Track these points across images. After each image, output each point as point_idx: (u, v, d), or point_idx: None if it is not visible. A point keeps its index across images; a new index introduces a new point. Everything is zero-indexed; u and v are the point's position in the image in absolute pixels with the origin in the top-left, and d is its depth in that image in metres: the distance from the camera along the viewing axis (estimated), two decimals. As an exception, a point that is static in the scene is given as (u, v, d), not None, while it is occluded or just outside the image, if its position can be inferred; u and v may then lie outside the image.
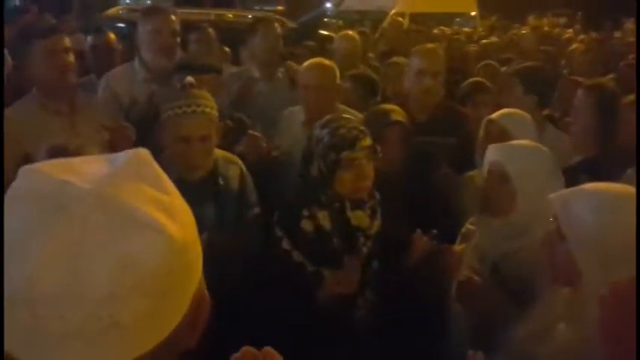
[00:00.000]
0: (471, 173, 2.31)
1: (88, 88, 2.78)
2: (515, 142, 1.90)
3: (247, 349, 0.77)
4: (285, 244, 1.74)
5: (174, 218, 0.52)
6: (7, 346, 0.47)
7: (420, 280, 1.77)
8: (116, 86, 2.68)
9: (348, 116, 1.94)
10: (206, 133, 1.88)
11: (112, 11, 7.08)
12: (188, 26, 3.47)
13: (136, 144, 2.15)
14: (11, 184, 0.51)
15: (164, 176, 0.56)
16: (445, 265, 1.76)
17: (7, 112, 2.20)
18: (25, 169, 0.51)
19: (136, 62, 2.74)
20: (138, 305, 0.48)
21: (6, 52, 2.48)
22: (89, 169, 0.52)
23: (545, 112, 2.88)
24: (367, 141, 1.72)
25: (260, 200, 2.15)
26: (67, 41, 2.25)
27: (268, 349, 0.76)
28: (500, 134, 2.10)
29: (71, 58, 2.25)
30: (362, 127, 1.77)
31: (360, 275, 1.67)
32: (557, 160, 1.87)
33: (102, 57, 3.19)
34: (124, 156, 0.55)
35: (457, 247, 1.85)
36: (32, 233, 0.47)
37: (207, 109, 1.88)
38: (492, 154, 1.84)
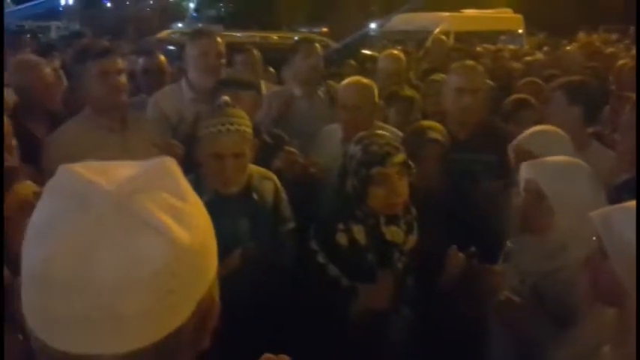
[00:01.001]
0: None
1: (139, 108, 2.92)
2: (549, 158, 1.85)
3: (267, 356, 0.80)
4: (321, 258, 1.77)
5: (185, 224, 0.55)
6: (28, 321, 0.53)
7: (457, 298, 1.74)
8: (164, 105, 2.80)
9: (383, 132, 1.96)
10: (239, 150, 1.93)
11: (163, 34, 7.41)
12: (234, 48, 3.60)
13: (184, 160, 2.23)
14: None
15: (185, 185, 0.59)
16: (488, 285, 1.73)
17: (62, 128, 2.35)
18: (62, 167, 0.57)
19: (183, 82, 2.87)
20: (139, 300, 0.52)
21: (62, 72, 2.65)
22: (118, 172, 0.57)
23: (593, 128, 2.80)
24: (399, 157, 1.73)
25: (297, 216, 2.19)
26: (120, 62, 2.36)
27: (284, 357, 0.79)
28: (528, 157, 2.05)
29: (123, 78, 2.35)
30: (395, 144, 1.78)
31: (395, 291, 1.67)
32: (598, 175, 1.80)
33: (153, 78, 3.33)
34: (151, 163, 0.59)
35: (498, 267, 1.82)
36: (55, 222, 0.53)
37: (242, 128, 1.94)
38: (526, 171, 1.80)
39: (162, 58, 3.47)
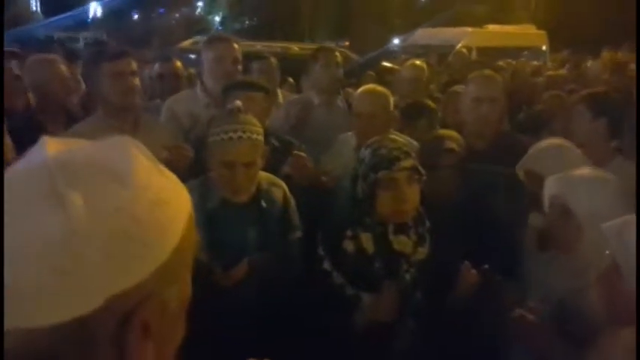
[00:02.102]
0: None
1: (153, 113, 2.93)
2: (575, 172, 1.76)
3: None
4: (327, 265, 1.72)
5: (105, 207, 0.51)
6: None
7: (469, 314, 1.67)
8: (178, 109, 2.80)
9: (395, 137, 1.91)
10: (250, 159, 1.89)
11: (185, 44, 7.52)
12: (253, 57, 3.60)
13: (195, 164, 2.22)
14: None
15: (135, 169, 0.55)
16: (506, 301, 1.66)
17: (74, 128, 2.37)
18: (43, 138, 0.55)
19: (198, 88, 2.87)
20: (31, 274, 0.48)
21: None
22: (77, 147, 0.55)
23: (617, 142, 2.70)
24: (408, 162, 1.68)
25: (307, 223, 2.14)
26: (133, 64, 2.37)
27: None
28: (537, 178, 1.97)
29: (136, 80, 2.37)
30: (405, 149, 1.73)
31: (401, 303, 1.61)
32: (626, 187, 1.71)
33: (168, 83, 3.35)
34: (107, 142, 0.57)
35: (519, 284, 1.75)
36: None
37: (254, 135, 1.90)
38: (551, 187, 1.73)
39: (178, 63, 3.49)
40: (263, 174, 2.07)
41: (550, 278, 1.71)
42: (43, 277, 0.48)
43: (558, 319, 1.58)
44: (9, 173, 0.53)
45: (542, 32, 14.05)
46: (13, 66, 5.07)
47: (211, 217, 1.92)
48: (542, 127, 3.23)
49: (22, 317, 0.48)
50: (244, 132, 1.87)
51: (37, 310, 0.48)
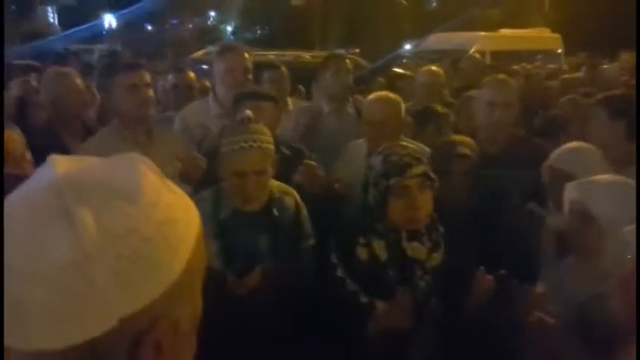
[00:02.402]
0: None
1: (167, 124, 2.96)
2: (596, 177, 1.74)
3: None
4: (340, 272, 1.72)
5: (116, 226, 0.51)
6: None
7: (483, 320, 1.64)
8: (190, 120, 2.82)
9: (407, 144, 1.89)
10: (261, 168, 1.90)
11: (198, 54, 7.58)
12: (264, 66, 3.61)
13: (207, 175, 2.22)
14: None
15: (143, 186, 0.54)
16: (525, 307, 1.63)
17: (89, 140, 2.40)
18: (51, 156, 0.55)
19: (210, 98, 2.88)
20: (42, 296, 0.47)
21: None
22: (88, 164, 0.55)
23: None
24: (419, 169, 1.66)
25: (319, 230, 2.14)
26: (147, 76, 2.39)
27: None
28: (563, 177, 1.94)
29: (151, 92, 2.39)
30: (417, 155, 1.72)
31: (416, 310, 1.59)
32: None
33: (181, 94, 3.38)
34: (116, 159, 0.57)
35: (538, 289, 1.72)
36: (7, 201, 0.52)
37: (264, 145, 1.91)
38: (572, 192, 1.70)
39: (191, 74, 3.52)
40: (275, 182, 2.07)
41: (569, 283, 1.68)
42: (54, 299, 0.47)
43: (577, 325, 1.55)
44: (18, 192, 0.53)
45: (557, 35, 13.92)
46: (32, 79, 5.17)
47: (224, 227, 1.93)
48: (559, 131, 3.19)
49: (32, 339, 0.48)
50: (254, 141, 1.89)
51: (47, 332, 0.48)
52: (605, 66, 7.17)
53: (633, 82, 4.76)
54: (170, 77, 3.54)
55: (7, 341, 0.48)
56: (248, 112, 1.98)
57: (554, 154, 2.10)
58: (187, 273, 0.55)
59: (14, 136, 2.06)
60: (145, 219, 0.52)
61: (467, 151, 2.17)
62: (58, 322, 0.48)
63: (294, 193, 2.13)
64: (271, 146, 1.95)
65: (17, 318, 0.47)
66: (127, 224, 0.51)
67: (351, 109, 3.33)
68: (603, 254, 1.58)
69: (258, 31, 25.89)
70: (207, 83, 4.04)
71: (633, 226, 1.18)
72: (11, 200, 0.52)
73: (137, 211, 0.52)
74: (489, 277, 1.66)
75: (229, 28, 26.39)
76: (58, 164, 0.53)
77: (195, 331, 0.60)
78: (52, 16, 22.09)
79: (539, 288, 1.73)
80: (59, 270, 0.48)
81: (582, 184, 1.70)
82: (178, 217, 0.55)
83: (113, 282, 0.49)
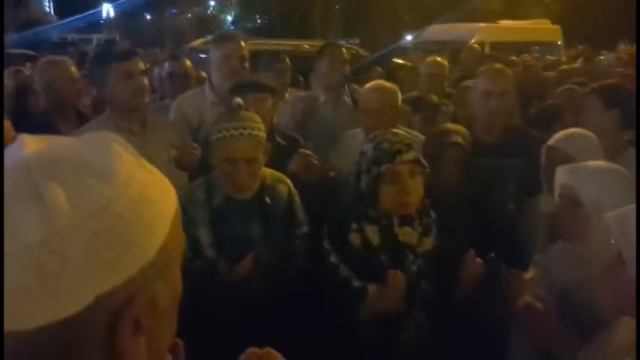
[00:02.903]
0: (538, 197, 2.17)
1: (163, 112, 2.94)
2: (587, 163, 1.75)
3: (252, 351, 0.74)
4: (333, 258, 1.73)
5: (88, 204, 0.50)
6: None
7: (474, 304, 1.66)
8: (186, 108, 2.81)
9: (398, 131, 1.90)
10: (252, 155, 1.90)
11: (195, 43, 7.55)
12: (262, 54, 3.60)
13: (203, 162, 2.22)
14: None
15: (116, 166, 0.53)
16: (512, 291, 1.65)
17: (82, 129, 2.36)
18: (20, 135, 0.54)
19: (206, 86, 2.88)
20: (13, 275, 0.47)
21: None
22: (58, 144, 0.54)
23: (630, 133, 2.66)
24: (410, 155, 1.67)
25: (314, 219, 2.14)
26: (142, 64, 2.36)
27: (269, 349, 0.73)
28: (563, 159, 1.95)
29: (145, 80, 2.35)
30: (407, 142, 1.73)
31: (408, 295, 1.61)
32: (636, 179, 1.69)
33: (178, 82, 3.37)
34: (87, 138, 0.56)
35: (526, 274, 1.73)
36: None
37: (255, 132, 1.91)
38: (562, 176, 1.71)
39: (188, 63, 3.51)
40: (267, 170, 2.07)
41: (556, 268, 1.70)
42: (27, 278, 0.47)
43: (562, 309, 1.57)
44: None
45: (557, 27, 13.88)
46: (27, 68, 5.16)
47: (217, 214, 1.93)
48: (554, 120, 3.19)
49: (9, 320, 0.47)
50: (245, 129, 1.89)
51: (23, 312, 0.47)
52: (602, 57, 7.16)
53: (628, 72, 4.76)
54: (167, 65, 3.52)
55: None
56: (238, 100, 1.98)
57: (555, 136, 2.11)
58: (164, 251, 0.54)
59: (6, 125, 2.05)
60: (118, 197, 0.51)
61: (459, 139, 2.18)
62: (31, 301, 0.47)
63: (288, 180, 2.13)
64: (262, 134, 1.95)
65: (50, 284, 0.47)
66: (99, 202, 0.50)
67: (347, 99, 3.33)
68: (588, 239, 1.59)
69: (258, 21, 25.77)
70: (203, 74, 4.04)
71: (615, 211, 1.19)
72: None
73: (110, 189, 0.51)
74: (479, 260, 1.67)
75: (229, 18, 26.26)
76: (27, 143, 0.52)
77: (176, 310, 0.60)
78: (48, 5, 21.94)
79: (528, 273, 1.74)
80: (30, 248, 0.47)
81: (573, 168, 1.71)
82: (154, 195, 0.55)
83: (87, 260, 0.49)
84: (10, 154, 0.52)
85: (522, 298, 1.54)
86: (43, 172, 0.50)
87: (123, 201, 0.52)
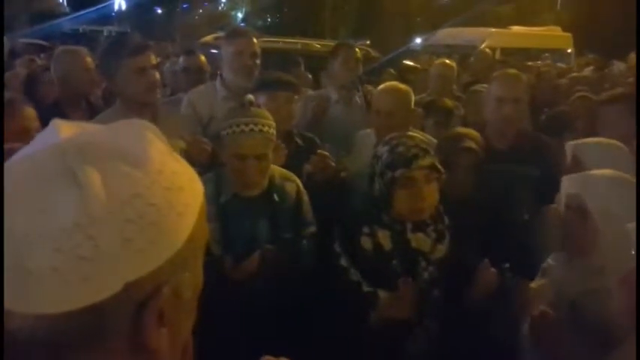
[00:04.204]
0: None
1: (175, 106, 2.94)
2: (594, 172, 1.71)
3: (267, 358, 0.74)
4: (343, 261, 1.70)
5: (122, 190, 0.50)
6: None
7: (486, 314, 1.64)
8: (197, 103, 2.80)
9: (413, 134, 1.87)
10: (262, 151, 1.90)
11: (207, 38, 7.55)
12: (275, 53, 3.59)
13: (213, 157, 2.21)
14: None
15: (151, 153, 0.53)
16: (522, 301, 1.62)
17: (94, 121, 2.36)
18: (53, 120, 0.54)
19: (218, 82, 2.87)
20: (44, 257, 0.46)
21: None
22: (90, 130, 0.54)
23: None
24: (427, 160, 1.65)
25: (326, 220, 2.12)
26: (154, 58, 2.34)
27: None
28: (576, 165, 1.92)
29: (157, 75, 2.33)
30: (424, 146, 1.70)
31: (419, 302, 1.58)
32: None
33: (192, 77, 3.36)
34: (121, 124, 0.56)
35: (534, 284, 1.70)
36: (9, 164, 0.51)
37: (265, 128, 1.90)
38: (568, 186, 1.68)
39: (202, 57, 3.50)
40: (277, 168, 2.07)
41: (563, 277, 1.67)
42: (57, 262, 0.46)
43: (571, 320, 1.54)
44: (19, 155, 0.52)
45: (568, 34, 13.79)
46: (41, 58, 5.17)
47: (224, 210, 1.92)
48: (565, 128, 3.16)
49: (35, 303, 0.47)
50: (256, 125, 1.88)
51: (50, 295, 0.47)
52: (614, 66, 7.12)
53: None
54: (181, 60, 3.51)
55: (9, 305, 0.47)
56: (250, 96, 1.98)
57: (584, 141, 2.05)
58: (191, 242, 0.54)
59: (30, 112, 2.05)
60: (151, 184, 0.51)
61: (472, 144, 2.16)
62: (63, 285, 0.47)
63: (296, 179, 2.12)
64: (272, 130, 1.94)
65: (20, 281, 0.47)
66: (133, 189, 0.50)
67: (359, 99, 3.31)
68: (597, 250, 1.57)
69: (269, 19, 25.77)
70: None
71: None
72: (13, 162, 0.51)
73: (143, 176, 0.51)
74: (493, 269, 1.64)
75: (240, 15, 26.28)
76: (62, 127, 0.52)
77: (197, 302, 0.60)
78: (62, -2, 22.08)
79: (536, 283, 1.72)
80: (63, 232, 0.47)
81: (579, 177, 1.68)
82: (184, 185, 0.54)
83: (119, 246, 0.48)
84: (44, 137, 0.52)
85: (538, 307, 1.51)
86: (79, 156, 0.49)
87: (155, 189, 0.51)
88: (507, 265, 1.70)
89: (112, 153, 0.51)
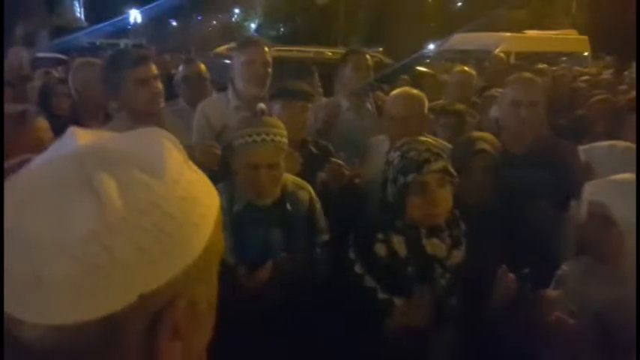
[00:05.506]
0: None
1: (178, 115, 2.96)
2: (617, 177, 1.66)
3: None
4: (358, 268, 1.68)
5: (138, 201, 0.49)
6: (7, 308, 0.47)
7: (505, 322, 1.59)
8: (210, 113, 2.81)
9: (425, 139, 1.85)
10: (274, 161, 1.90)
11: (221, 49, 7.60)
12: (288, 63, 3.58)
13: (225, 167, 2.21)
14: None
15: (169, 163, 0.52)
16: (540, 312, 1.57)
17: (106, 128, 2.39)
18: (70, 128, 0.54)
19: (230, 91, 2.87)
20: (60, 266, 0.45)
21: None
22: (108, 138, 0.53)
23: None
24: (439, 164, 1.62)
25: (340, 227, 2.10)
26: (154, 68, 2.34)
27: None
28: (587, 170, 1.87)
29: (159, 85, 2.34)
30: (435, 150, 1.68)
31: (436, 309, 1.54)
32: None
33: (193, 85, 3.36)
34: (140, 133, 0.55)
35: (552, 293, 1.65)
36: (24, 172, 0.50)
37: (277, 138, 1.90)
38: (591, 193, 1.63)
39: (202, 65, 3.50)
40: (289, 176, 2.06)
41: (584, 286, 1.62)
42: (73, 272, 0.45)
43: (597, 331, 1.49)
44: (36, 163, 0.51)
45: (585, 37, 13.64)
46: (59, 71, 5.28)
47: (237, 219, 1.92)
48: (585, 132, 3.10)
49: (50, 313, 0.46)
50: (267, 134, 1.89)
51: (65, 306, 0.46)
52: (632, 69, 7.00)
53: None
54: (181, 69, 3.52)
55: (22, 315, 0.46)
56: (262, 105, 1.98)
57: (595, 147, 2.00)
58: (206, 253, 0.53)
59: (43, 124, 2.07)
60: (167, 194, 0.50)
61: (486, 146, 2.12)
62: (77, 295, 0.46)
63: (309, 187, 2.11)
64: (284, 140, 1.94)
65: (35, 291, 0.45)
66: (150, 198, 0.49)
67: (370, 106, 3.30)
68: (622, 258, 1.52)
69: (281, 29, 25.96)
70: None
71: None
72: (30, 170, 0.51)
73: (160, 185, 0.50)
74: (512, 275, 1.60)
75: (253, 25, 26.52)
76: (79, 135, 0.52)
77: (212, 314, 0.59)
78: (79, 11, 22.53)
79: (555, 290, 1.67)
80: (80, 241, 0.46)
81: (602, 184, 1.64)
82: (199, 195, 0.54)
83: (135, 256, 0.47)
84: (62, 145, 0.52)
85: (554, 313, 1.46)
86: (96, 164, 0.48)
87: (171, 199, 0.50)
88: (526, 270, 1.65)
89: (130, 161, 0.50)
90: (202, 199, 0.54)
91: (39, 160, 0.51)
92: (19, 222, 0.46)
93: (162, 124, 2.37)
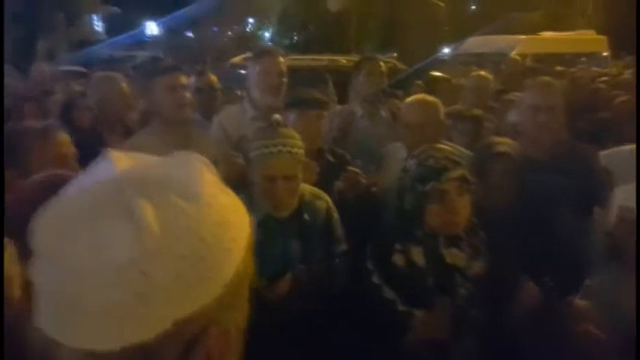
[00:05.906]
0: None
1: (204, 126, 2.98)
2: None
3: None
4: (376, 279, 1.66)
5: (177, 227, 0.49)
6: (47, 329, 0.48)
7: (527, 333, 1.56)
8: (227, 125, 2.83)
9: (442, 146, 1.83)
10: (290, 172, 1.89)
11: (236, 59, 7.67)
12: (302, 71, 3.59)
13: (242, 176, 2.22)
14: None
15: (203, 187, 0.53)
16: (564, 322, 1.54)
17: (131, 139, 2.46)
18: (106, 151, 0.54)
19: (246, 101, 2.89)
20: (99, 293, 0.46)
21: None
22: (145, 163, 0.54)
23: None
24: (457, 172, 1.60)
25: (357, 236, 2.09)
26: (184, 78, 2.45)
27: None
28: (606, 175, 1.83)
29: (188, 94, 2.45)
30: (454, 157, 1.65)
31: (457, 321, 1.52)
32: None
33: (205, 97, 3.38)
34: (175, 159, 0.55)
35: (581, 303, 1.62)
36: (61, 198, 0.51)
37: (294, 149, 1.90)
38: (622, 198, 1.60)
39: (213, 77, 3.54)
40: (307, 187, 2.05)
41: (617, 296, 1.58)
42: (112, 298, 0.46)
43: (626, 341, 1.45)
44: (73, 187, 0.52)
45: (603, 37, 13.42)
46: (79, 84, 5.38)
47: (256, 231, 1.90)
48: (608, 135, 3.04)
49: (87, 339, 0.46)
50: (284, 146, 1.89)
51: (103, 333, 0.46)
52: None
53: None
54: (193, 80, 3.55)
55: (60, 338, 0.47)
56: (277, 117, 1.98)
57: (607, 155, 1.97)
58: (237, 277, 0.53)
59: (65, 139, 2.11)
60: (202, 219, 0.50)
61: (505, 148, 2.10)
62: (115, 322, 0.46)
63: (326, 197, 2.10)
64: (301, 151, 1.94)
65: (75, 316, 0.46)
66: (185, 223, 0.49)
67: (385, 113, 3.28)
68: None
69: (295, 37, 26.08)
70: (239, 92, 4.07)
71: None
72: (68, 194, 0.51)
73: (196, 210, 0.50)
74: (533, 284, 1.57)
75: (267, 35, 26.71)
76: (117, 160, 0.52)
77: (241, 338, 0.58)
78: (98, 25, 22.96)
79: (583, 300, 1.63)
80: (119, 268, 0.46)
81: (634, 189, 1.60)
82: (232, 219, 0.54)
83: (171, 283, 0.47)
84: (99, 170, 0.52)
85: (582, 325, 1.43)
86: (135, 190, 0.49)
87: (205, 223, 0.51)
88: (549, 279, 1.62)
89: (167, 186, 0.50)
90: (234, 223, 0.54)
91: (75, 186, 0.52)
92: (59, 248, 0.47)
93: (190, 133, 2.44)
